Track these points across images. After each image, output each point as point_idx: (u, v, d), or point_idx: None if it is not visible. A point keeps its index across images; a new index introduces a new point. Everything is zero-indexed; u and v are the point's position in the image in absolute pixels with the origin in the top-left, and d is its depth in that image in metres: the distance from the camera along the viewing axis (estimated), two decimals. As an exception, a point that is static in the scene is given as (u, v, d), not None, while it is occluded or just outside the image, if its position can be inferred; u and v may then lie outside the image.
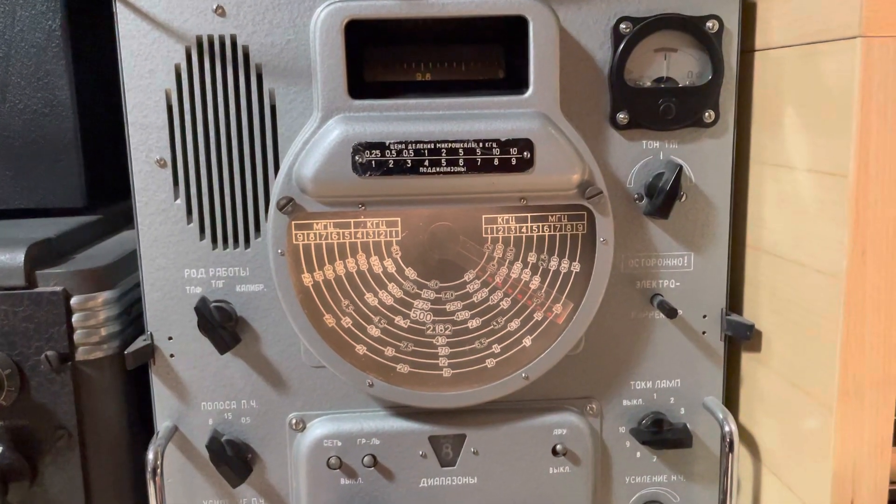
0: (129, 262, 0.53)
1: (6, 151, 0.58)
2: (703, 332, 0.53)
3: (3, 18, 0.57)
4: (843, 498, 0.44)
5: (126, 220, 0.64)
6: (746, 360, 0.53)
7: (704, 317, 0.52)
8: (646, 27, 0.48)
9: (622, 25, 0.48)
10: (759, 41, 0.49)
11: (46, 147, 0.58)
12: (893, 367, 0.42)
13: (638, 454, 0.54)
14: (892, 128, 0.40)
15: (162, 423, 0.51)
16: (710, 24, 0.49)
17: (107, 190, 0.62)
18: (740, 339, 0.52)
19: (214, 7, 0.46)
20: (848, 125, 0.41)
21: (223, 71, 0.47)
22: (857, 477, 0.44)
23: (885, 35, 0.39)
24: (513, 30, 0.48)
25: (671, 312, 0.50)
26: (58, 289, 0.48)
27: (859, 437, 0.43)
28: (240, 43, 0.47)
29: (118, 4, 0.46)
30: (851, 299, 0.42)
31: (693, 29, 0.48)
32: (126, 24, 0.46)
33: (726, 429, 0.51)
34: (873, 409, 0.43)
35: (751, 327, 0.51)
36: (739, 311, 0.53)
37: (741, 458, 0.54)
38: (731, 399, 0.54)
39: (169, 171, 0.48)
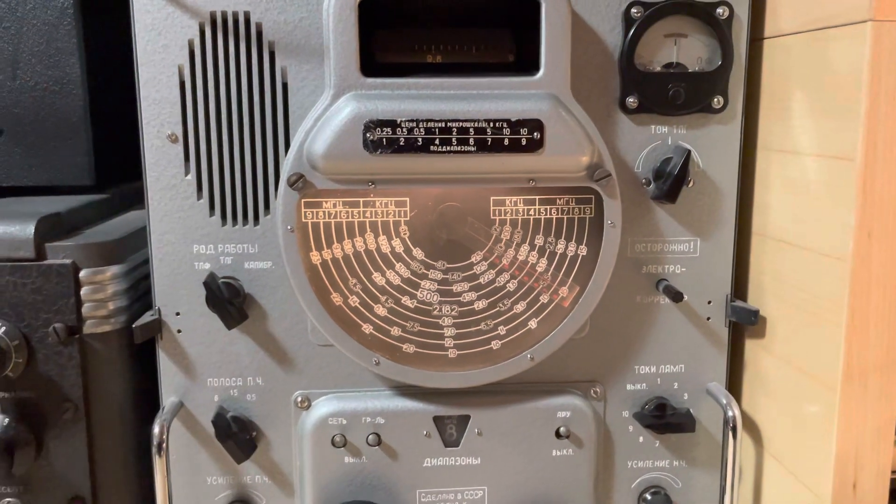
0: (138, 239, 0.53)
1: (16, 128, 0.59)
2: (708, 318, 0.53)
3: (16, -4, 0.57)
4: (845, 482, 0.44)
5: (133, 199, 0.65)
6: (750, 345, 0.53)
7: (709, 302, 0.53)
8: (656, 12, 0.49)
9: (633, 10, 0.48)
10: (769, 28, 0.50)
11: (56, 125, 0.59)
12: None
13: (641, 439, 0.54)
14: (900, 112, 0.41)
15: (168, 399, 0.51)
16: (721, 11, 0.49)
17: (115, 169, 0.63)
18: (745, 324, 0.52)
19: (229, -17, 0.47)
20: (857, 109, 0.41)
21: (236, 47, 0.48)
22: (860, 461, 0.44)
23: (895, 19, 0.40)
24: (523, 13, 0.48)
25: (677, 297, 0.51)
26: (67, 261, 0.48)
27: (862, 421, 0.44)
28: (253, 20, 0.47)
29: (133, -21, 0.47)
30: (857, 281, 0.42)
31: (703, 15, 0.49)
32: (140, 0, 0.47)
33: (729, 414, 0.51)
34: (876, 393, 0.43)
35: (755, 313, 0.51)
36: (744, 297, 0.54)
37: (744, 445, 0.54)
38: (734, 385, 0.55)
39: (180, 146, 0.48)
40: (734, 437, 0.51)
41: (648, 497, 0.54)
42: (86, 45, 0.58)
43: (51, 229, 0.49)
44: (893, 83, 0.40)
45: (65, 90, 0.58)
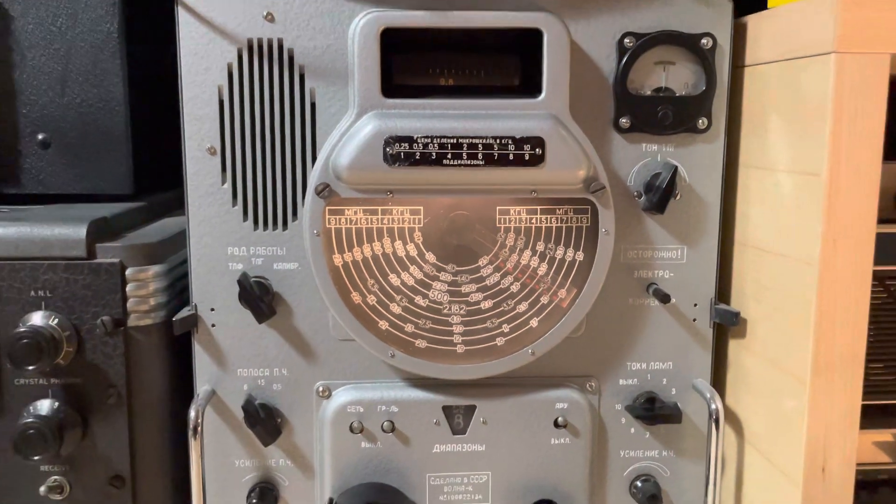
0: (176, 242, 0.59)
1: (62, 141, 0.64)
2: (694, 320, 0.58)
3: (66, 20, 0.63)
4: (815, 465, 0.49)
5: (167, 207, 0.70)
6: (733, 345, 0.58)
7: (695, 305, 0.58)
8: (647, 42, 0.54)
9: (626, 40, 0.54)
10: (749, 57, 0.55)
11: (99, 138, 0.64)
12: (861, 346, 0.48)
13: (632, 430, 0.59)
14: (860, 133, 0.46)
15: (201, 387, 0.56)
16: (705, 41, 0.54)
17: (151, 179, 0.68)
18: (727, 325, 0.57)
19: (265, 13, 0.52)
20: (823, 131, 0.46)
21: (270, 70, 0.53)
22: (828, 447, 0.49)
23: (856, 52, 0.45)
24: (528, 41, 0.54)
25: (665, 298, 0.56)
26: (115, 260, 0.53)
27: (830, 409, 0.48)
28: (286, 46, 0.53)
29: (180, 9, 0.52)
30: (823, 284, 0.47)
31: (689, 45, 0.54)
32: (186, 26, 0.52)
33: (713, 406, 0.56)
34: (843, 383, 0.48)
35: (737, 315, 0.56)
36: (727, 300, 0.59)
37: (727, 436, 0.59)
38: (718, 381, 0.59)
39: (218, 158, 0.54)
40: (717, 428, 0.56)
41: (639, 484, 0.59)
42: (128, 67, 0.64)
43: (99, 232, 0.55)
44: (854, 108, 0.45)
45: (108, 107, 0.64)
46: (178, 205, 0.73)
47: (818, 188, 0.47)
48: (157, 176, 0.70)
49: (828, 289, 0.47)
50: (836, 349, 0.48)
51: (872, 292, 0.56)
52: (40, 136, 0.64)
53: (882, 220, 0.59)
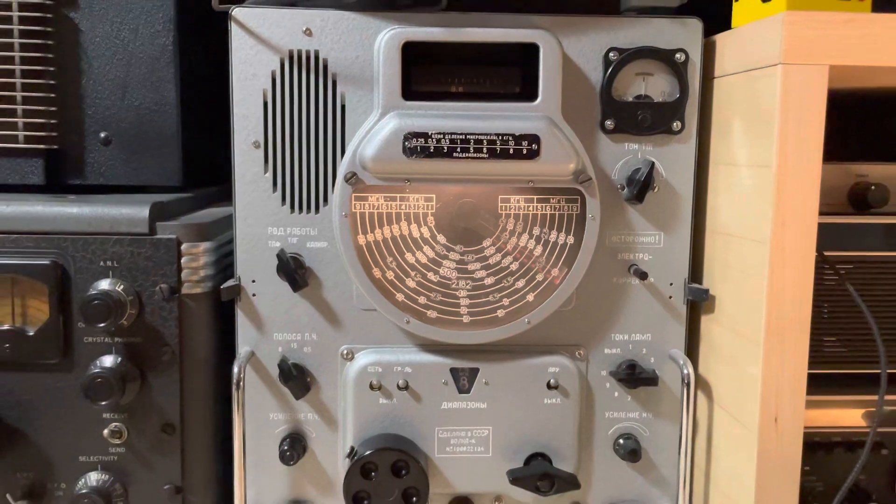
0: (222, 224, 0.68)
1: (122, 139, 0.73)
2: (670, 297, 0.66)
3: (128, 34, 0.72)
4: (769, 416, 0.57)
5: (211, 199, 0.80)
6: (704, 319, 0.67)
7: (671, 284, 0.66)
8: (629, 56, 0.63)
9: (611, 54, 0.63)
10: (717, 70, 0.64)
11: (153, 137, 0.73)
12: (806, 312, 0.56)
13: (616, 394, 0.67)
14: (803, 131, 0.54)
15: (242, 348, 0.65)
16: (679, 56, 0.63)
17: (198, 174, 0.78)
18: (699, 301, 0.66)
19: (304, 29, 0.62)
20: (773, 130, 0.55)
21: (307, 77, 0.62)
22: (780, 399, 0.57)
23: (799, 63, 0.54)
24: (527, 55, 0.63)
25: (643, 275, 0.65)
26: (172, 237, 0.62)
27: (781, 367, 0.57)
28: (321, 57, 0.62)
29: (233, 24, 0.62)
30: (774, 259, 0.56)
31: (666, 59, 0.63)
32: (237, 39, 0.62)
33: (685, 372, 0.64)
34: (792, 344, 0.56)
35: (707, 292, 0.65)
36: (699, 280, 0.67)
37: (699, 402, 0.67)
38: (692, 352, 0.68)
39: (261, 151, 0.63)
40: (688, 391, 0.64)
41: (621, 441, 0.67)
42: (180, 75, 0.73)
43: (159, 213, 0.64)
44: (798, 109, 0.54)
45: (162, 110, 0.73)
46: (219, 197, 0.82)
47: (769, 178, 0.56)
48: (202, 172, 0.79)
49: (777, 264, 0.56)
50: (785, 315, 0.56)
51: (826, 275, 0.65)
52: (102, 135, 0.73)
53: (835, 214, 0.68)
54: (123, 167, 0.74)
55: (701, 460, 0.67)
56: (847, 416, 0.67)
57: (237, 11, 0.62)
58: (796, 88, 0.54)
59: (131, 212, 0.63)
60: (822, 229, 0.64)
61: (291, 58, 0.62)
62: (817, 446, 0.67)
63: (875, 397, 0.66)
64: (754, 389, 0.58)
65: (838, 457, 0.67)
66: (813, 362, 0.65)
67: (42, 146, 0.71)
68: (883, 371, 0.60)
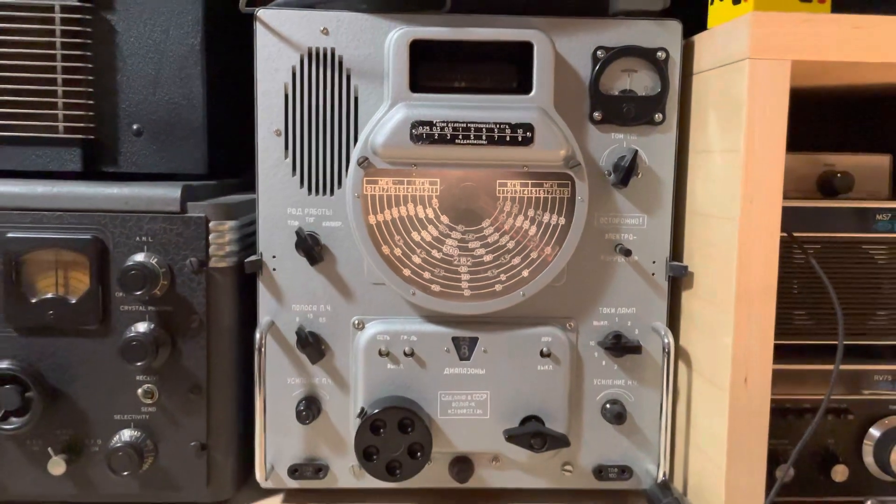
0: (245, 207, 0.74)
1: (153, 130, 0.80)
2: (653, 274, 0.73)
3: (160, 35, 0.79)
4: (740, 375, 0.63)
5: (233, 188, 0.86)
6: (684, 294, 0.73)
7: (654, 262, 0.73)
8: (615, 54, 0.70)
9: (599, 52, 0.70)
10: (695, 67, 0.71)
11: (182, 129, 0.79)
12: (772, 279, 0.62)
13: (603, 363, 0.73)
14: (769, 120, 0.61)
15: (263, 318, 0.71)
16: (660, 54, 0.70)
17: (222, 164, 0.84)
18: (679, 277, 0.72)
19: (321, 28, 0.69)
20: (741, 118, 0.61)
21: (324, 72, 0.69)
22: (749, 361, 0.63)
23: (764, 58, 0.60)
24: (523, 52, 0.69)
25: (627, 252, 0.71)
26: (201, 215, 0.69)
27: (749, 331, 0.63)
28: (337, 54, 0.69)
29: (257, 24, 0.69)
30: (743, 234, 0.62)
31: (648, 56, 0.70)
32: (262, 37, 0.69)
33: (666, 341, 0.70)
34: (759, 311, 0.62)
35: (686, 268, 0.71)
36: (679, 257, 0.73)
37: (680, 370, 0.73)
38: (673, 324, 0.74)
39: (282, 138, 0.70)
40: (669, 359, 0.70)
41: (608, 406, 0.73)
42: (206, 73, 0.80)
43: (189, 194, 0.70)
44: (763, 101, 0.61)
45: (190, 104, 0.80)
46: (240, 188, 0.89)
47: (738, 162, 0.62)
48: (225, 163, 0.86)
49: (746, 237, 0.62)
50: (752, 284, 0.62)
51: (795, 254, 0.71)
52: (135, 126, 0.80)
53: (805, 198, 0.74)
54: (154, 156, 0.80)
55: (682, 424, 0.73)
56: (816, 384, 0.73)
57: (262, 13, 0.69)
58: (762, 80, 0.61)
59: (165, 192, 0.69)
60: (793, 212, 0.71)
61: (310, 54, 0.69)
62: (788, 412, 0.73)
63: (842, 366, 0.72)
64: (726, 353, 0.64)
65: (808, 422, 0.73)
66: (784, 334, 0.71)
67: (80, 136, 0.78)
68: (840, 342, 0.66)
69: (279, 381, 0.72)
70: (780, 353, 0.71)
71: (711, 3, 0.69)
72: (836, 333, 0.73)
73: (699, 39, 0.70)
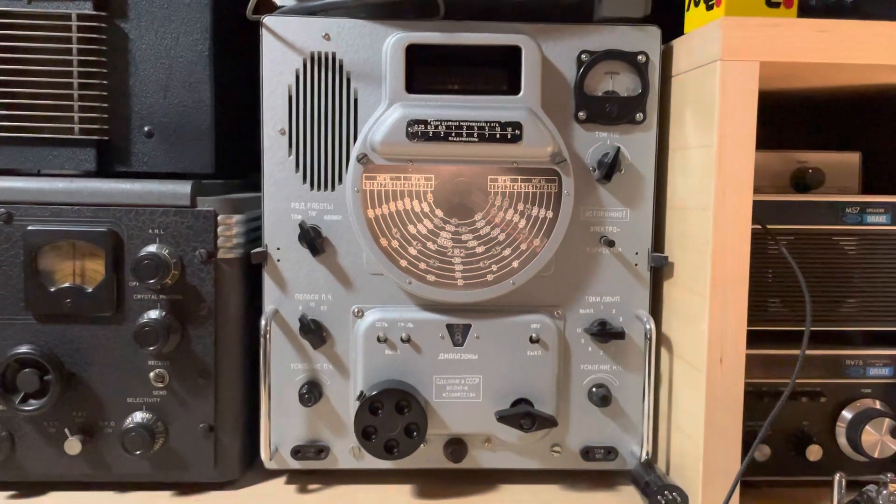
0: (249, 203, 0.78)
1: (164, 132, 0.84)
2: (636, 264, 0.77)
3: (170, 41, 0.83)
4: (715, 356, 0.67)
5: (238, 188, 0.90)
6: (666, 284, 0.77)
7: (636, 253, 0.77)
8: (599, 57, 0.74)
9: (583, 55, 0.74)
10: (674, 69, 0.75)
11: (190, 131, 0.84)
12: (745, 267, 0.66)
13: (589, 349, 0.78)
14: (740, 118, 0.65)
15: (268, 306, 0.76)
16: (641, 57, 0.75)
17: (227, 165, 0.89)
18: (660, 267, 0.76)
19: (323, 34, 0.73)
20: (714, 115, 0.66)
21: (325, 75, 0.74)
22: (724, 342, 0.67)
23: (734, 59, 0.65)
24: (513, 56, 0.74)
25: (611, 243, 0.75)
26: (210, 209, 0.73)
27: (724, 314, 0.67)
28: (338, 58, 0.74)
29: (263, 30, 0.73)
30: (717, 224, 0.66)
31: (630, 60, 0.75)
32: (267, 42, 0.73)
33: (648, 327, 0.75)
34: (733, 296, 0.67)
35: (666, 258, 0.75)
36: (661, 249, 0.78)
37: (662, 355, 0.77)
38: (655, 312, 0.78)
39: (286, 137, 0.74)
40: (651, 345, 0.74)
41: (594, 390, 0.77)
42: (214, 78, 0.84)
43: (198, 190, 0.75)
44: (734, 99, 0.65)
45: (198, 107, 0.84)
46: (244, 187, 0.93)
47: (712, 156, 0.66)
48: (230, 164, 0.90)
49: (720, 227, 0.66)
50: (727, 270, 0.67)
51: (770, 246, 0.75)
52: (146, 128, 0.84)
53: (779, 193, 0.79)
54: (164, 157, 0.85)
55: (664, 406, 0.78)
56: (791, 368, 0.77)
57: (268, 20, 0.73)
58: (732, 80, 0.65)
59: (176, 188, 0.74)
60: (768, 206, 0.75)
61: (313, 58, 0.74)
62: (764, 395, 0.77)
63: (815, 351, 0.77)
64: (702, 336, 0.68)
65: (783, 404, 0.77)
66: (760, 321, 0.76)
67: (94, 137, 0.82)
68: (807, 328, 0.69)
69: (283, 366, 0.76)
70: (759, 339, 0.75)
71: (688, 10, 0.74)
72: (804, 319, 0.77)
73: (677, 43, 0.75)
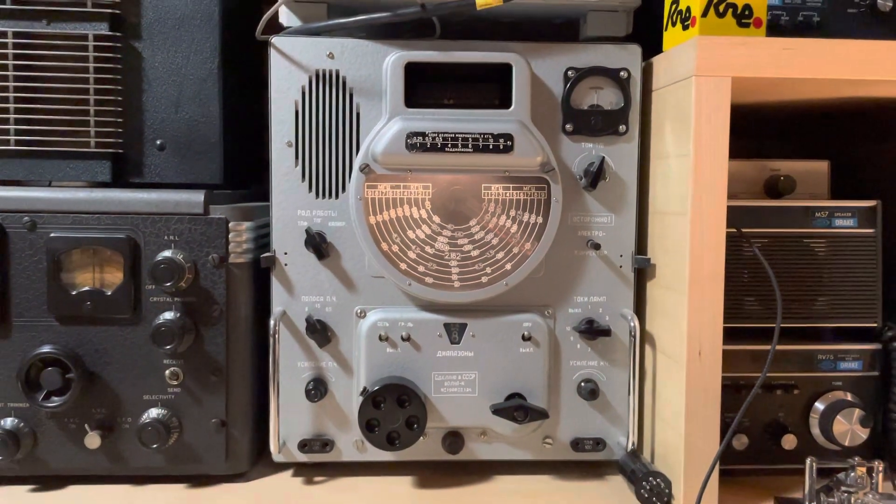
0: (258, 211, 0.83)
1: (175, 145, 0.89)
2: (621, 266, 0.82)
3: (181, 60, 0.88)
4: (694, 350, 0.72)
5: (245, 197, 0.95)
6: (649, 284, 0.82)
7: (621, 256, 0.82)
8: (584, 73, 0.80)
9: (569, 72, 0.80)
10: (654, 84, 0.81)
11: (200, 144, 0.88)
12: (720, 267, 0.72)
13: (578, 346, 0.83)
14: (713, 129, 0.70)
15: (276, 308, 0.80)
16: (623, 74, 0.80)
17: (236, 175, 0.94)
18: (644, 269, 0.82)
19: (327, 53, 0.79)
20: (690, 126, 0.71)
21: (330, 91, 0.79)
22: (702, 336, 0.72)
23: (708, 75, 0.70)
24: (503, 73, 0.79)
25: (597, 246, 0.81)
26: (222, 216, 0.78)
27: (701, 310, 0.72)
28: (341, 75, 0.79)
29: (272, 49, 0.79)
30: (694, 227, 0.72)
31: (613, 76, 0.80)
32: (275, 60, 0.79)
33: (632, 324, 0.80)
34: (709, 292, 0.72)
35: (649, 260, 0.81)
36: (644, 251, 0.83)
37: (646, 351, 0.83)
38: (639, 310, 0.83)
39: (293, 149, 0.79)
40: (635, 341, 0.79)
41: (583, 385, 0.82)
42: (222, 94, 0.89)
43: (211, 199, 0.80)
44: (708, 112, 0.70)
45: (207, 122, 0.89)
46: (251, 198, 0.98)
47: (689, 165, 0.72)
48: (237, 175, 0.95)
49: (696, 230, 0.72)
50: (704, 269, 0.72)
51: (745, 249, 0.81)
52: (158, 142, 0.89)
53: (753, 199, 0.84)
54: (175, 168, 0.89)
55: (648, 399, 0.83)
56: (766, 363, 0.82)
57: (275, 40, 0.79)
58: (706, 94, 0.71)
59: (190, 197, 0.79)
60: (743, 211, 0.80)
61: (318, 76, 0.79)
62: (742, 388, 0.82)
63: (788, 346, 0.82)
64: (682, 330, 0.73)
65: (759, 397, 0.82)
66: (736, 318, 0.81)
67: (109, 150, 0.87)
68: (777, 324, 0.75)
69: (290, 364, 0.81)
70: (737, 336, 0.81)
71: (666, 30, 0.80)
72: (783, 317, 0.82)
73: (656, 61, 0.80)
